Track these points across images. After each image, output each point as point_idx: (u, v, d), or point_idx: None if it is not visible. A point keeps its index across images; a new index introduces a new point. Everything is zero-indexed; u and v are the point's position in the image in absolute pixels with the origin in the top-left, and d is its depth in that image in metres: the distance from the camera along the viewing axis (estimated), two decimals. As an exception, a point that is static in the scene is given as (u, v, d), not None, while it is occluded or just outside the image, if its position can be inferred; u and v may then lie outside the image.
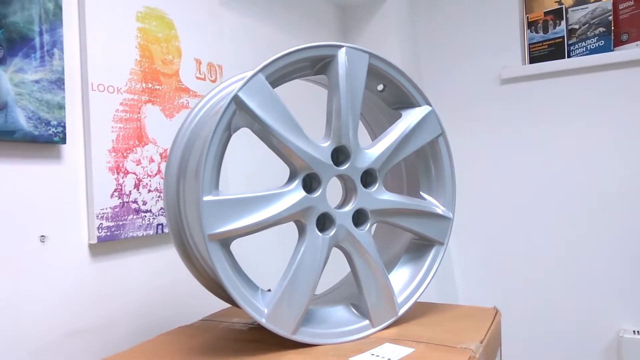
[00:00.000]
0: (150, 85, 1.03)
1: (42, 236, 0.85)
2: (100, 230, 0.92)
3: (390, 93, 0.81)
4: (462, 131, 1.88)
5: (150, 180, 1.03)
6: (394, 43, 1.76)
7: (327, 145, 0.72)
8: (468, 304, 0.90)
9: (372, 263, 0.74)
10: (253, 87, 0.65)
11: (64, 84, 0.87)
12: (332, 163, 0.72)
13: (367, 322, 0.75)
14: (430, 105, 0.81)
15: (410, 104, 0.81)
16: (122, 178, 0.97)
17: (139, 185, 1.00)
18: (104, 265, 0.94)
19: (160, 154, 1.05)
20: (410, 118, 0.79)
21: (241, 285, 0.66)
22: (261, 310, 0.67)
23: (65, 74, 0.88)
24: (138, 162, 1.00)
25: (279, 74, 0.69)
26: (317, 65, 0.73)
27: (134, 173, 0.99)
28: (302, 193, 0.69)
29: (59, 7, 0.86)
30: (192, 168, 0.69)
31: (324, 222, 0.73)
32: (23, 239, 0.82)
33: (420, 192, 0.85)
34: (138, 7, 1.02)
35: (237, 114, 0.65)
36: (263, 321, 0.66)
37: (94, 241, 0.91)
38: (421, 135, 0.80)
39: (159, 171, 1.05)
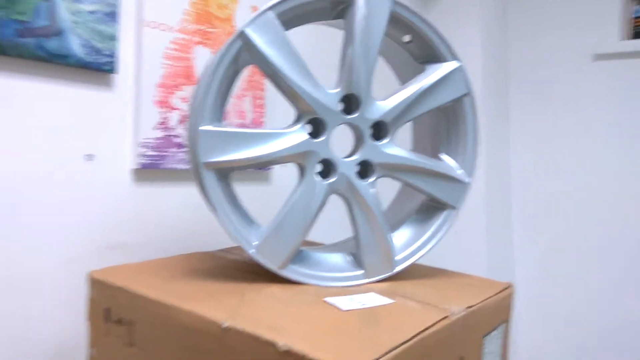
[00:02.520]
0: (202, 27, 1.07)
1: (89, 155, 0.94)
2: (142, 157, 0.99)
3: (416, 45, 0.78)
4: (544, 108, 1.75)
5: (194, 118, 1.08)
6: (477, 9, 1.66)
7: (335, 91, 0.71)
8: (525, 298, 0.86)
9: (372, 216, 0.74)
10: (261, 24, 0.66)
11: (117, 17, 0.94)
12: (339, 110, 0.71)
13: (361, 271, 0.75)
14: (459, 60, 0.77)
15: (437, 59, 0.77)
16: (168, 112, 1.04)
17: (184, 120, 1.06)
18: (144, 190, 1.02)
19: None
20: (434, 73, 0.76)
21: (234, 216, 0.69)
22: (250, 242, 0.70)
23: (121, 8, 0.95)
24: (185, 100, 1.06)
25: (293, 13, 0.69)
26: (337, 8, 0.72)
27: (180, 109, 1.06)
28: (304, 135, 0.70)
29: (119, -56, 0.92)
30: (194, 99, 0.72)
31: (328, 168, 0.74)
32: (70, 156, 0.91)
33: (439, 153, 0.82)
34: (198, -50, 1.05)
35: (245, 50, 0.67)
36: (252, 252, 0.69)
37: (136, 167, 0.99)
38: (444, 92, 0.76)
39: (204, 110, 1.10)
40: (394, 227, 0.82)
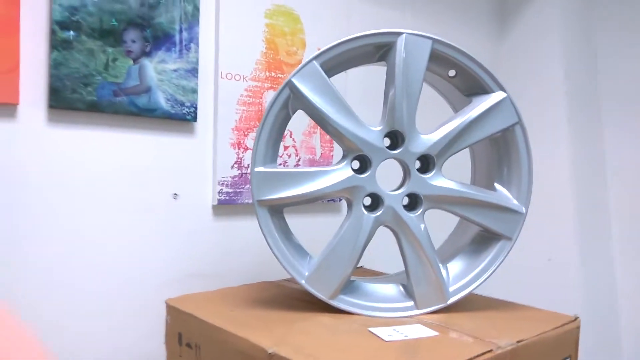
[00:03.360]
0: (273, 74, 1.17)
1: (175, 194, 1.06)
2: (220, 195, 1.10)
3: (461, 79, 0.80)
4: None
5: (267, 157, 1.17)
6: (558, 28, 1.61)
7: (379, 129, 0.75)
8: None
9: (420, 247, 0.76)
10: (306, 73, 0.73)
11: (197, 72, 1.06)
12: (383, 146, 0.75)
13: (411, 303, 0.77)
14: (504, 91, 0.77)
15: (483, 90, 0.78)
16: (242, 153, 1.14)
17: (257, 160, 1.16)
18: (223, 224, 1.12)
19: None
20: (480, 105, 0.77)
21: (287, 248, 0.75)
22: (302, 272, 0.75)
23: (200, 64, 1.08)
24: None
25: (336, 61, 0.75)
26: (380, 52, 0.77)
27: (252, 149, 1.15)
28: (349, 172, 0.75)
29: (197, 9, 1.06)
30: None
31: (376, 202, 0.77)
32: (159, 195, 1.04)
33: (495, 184, 0.82)
34: (267, 5, 1.17)
35: (293, 97, 0.74)
36: (302, 282, 0.75)
37: (215, 203, 1.10)
38: (491, 122, 0.77)
39: (276, 149, 1.19)
40: (450, 257, 0.83)
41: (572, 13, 1.64)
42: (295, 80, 0.73)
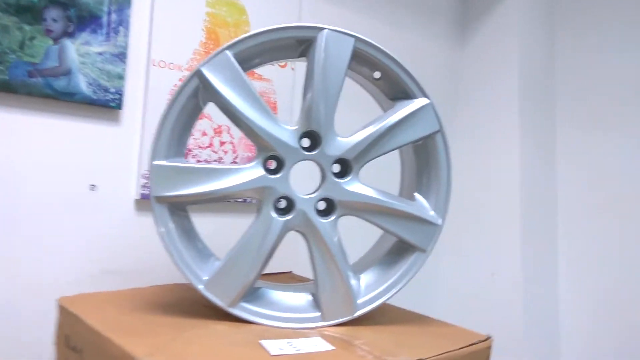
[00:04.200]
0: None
1: (92, 185, 1.00)
2: (144, 189, 1.04)
3: (385, 82, 0.76)
4: (598, 139, 1.61)
5: (200, 152, 1.12)
6: (517, 33, 1.59)
7: (294, 128, 0.71)
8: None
9: (329, 255, 0.72)
10: (218, 63, 0.68)
11: (126, 57, 1.01)
12: (298, 146, 0.71)
13: (318, 314, 0.73)
14: (427, 97, 0.74)
15: (407, 95, 0.75)
16: (173, 146, 1.08)
17: (188, 155, 1.10)
18: (145, 220, 1.06)
19: (214, 129, 1.14)
20: (401, 110, 0.73)
21: (186, 250, 0.70)
22: (200, 277, 0.70)
23: (129, 49, 1.02)
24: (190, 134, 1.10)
25: (252, 52, 0.70)
26: (301, 47, 0.73)
27: (185, 143, 1.10)
28: (259, 172, 0.70)
29: (129, -9, 1.00)
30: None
31: (289, 206, 0.73)
32: (76, 185, 0.97)
33: (415, 193, 0.78)
34: (209, -7, 1.11)
35: (202, 88, 0.69)
36: (200, 287, 0.70)
37: (139, 197, 1.04)
38: (412, 129, 0.73)
39: (210, 144, 1.14)
40: (365, 267, 0.79)
41: (532, 18, 1.63)
42: (204, 70, 0.68)
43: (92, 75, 0.96)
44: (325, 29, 0.70)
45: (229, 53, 0.69)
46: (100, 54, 0.97)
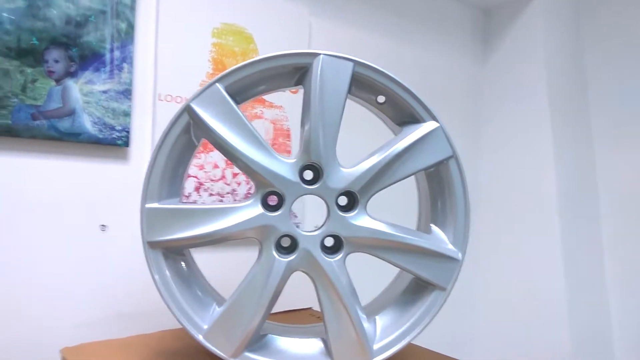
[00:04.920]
0: (219, 96, 1.09)
1: (103, 225, 0.97)
2: (156, 226, 1.01)
3: (390, 106, 0.70)
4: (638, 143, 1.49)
5: (212, 185, 1.09)
6: (543, 47, 1.51)
7: (292, 161, 0.66)
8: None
9: (338, 298, 0.66)
10: (208, 97, 0.64)
11: (131, 94, 0.99)
12: (298, 180, 0.66)
13: (328, 362, 0.67)
14: (436, 120, 0.68)
15: (414, 119, 0.69)
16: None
17: (200, 188, 1.07)
18: (158, 259, 1.03)
19: (226, 161, 1.10)
20: (409, 136, 0.67)
21: (184, 297, 0.65)
22: (200, 326, 0.65)
23: (134, 85, 1.00)
24: (201, 167, 1.07)
25: (244, 84, 0.66)
26: (297, 75, 0.68)
27: (196, 177, 1.07)
28: (258, 210, 0.65)
29: (131, 27, 0.98)
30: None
31: (292, 244, 0.67)
32: (85, 226, 0.95)
33: (430, 225, 0.72)
34: (215, 24, 1.09)
35: (194, 124, 0.65)
36: (199, 338, 0.65)
37: (150, 235, 1.01)
38: (422, 156, 0.67)
39: (222, 177, 1.10)
40: (381, 308, 0.72)
41: (557, 31, 1.54)
42: (194, 105, 0.64)
43: (96, 114, 0.95)
44: (320, 54, 0.65)
45: (219, 86, 0.65)
46: (104, 92, 0.96)
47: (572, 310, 1.43)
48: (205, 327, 0.65)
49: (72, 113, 0.93)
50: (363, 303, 0.71)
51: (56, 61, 0.91)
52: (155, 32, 1.03)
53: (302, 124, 0.67)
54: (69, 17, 0.92)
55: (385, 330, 0.69)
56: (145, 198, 0.64)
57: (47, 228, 0.91)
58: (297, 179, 0.66)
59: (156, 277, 0.64)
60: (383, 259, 0.68)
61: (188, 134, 0.66)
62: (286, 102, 1.18)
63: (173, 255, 0.66)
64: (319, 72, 0.65)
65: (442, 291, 0.68)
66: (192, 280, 0.68)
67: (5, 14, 0.86)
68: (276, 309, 0.92)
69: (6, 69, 0.86)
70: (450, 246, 0.69)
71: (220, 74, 0.65)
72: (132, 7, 0.98)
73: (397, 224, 0.69)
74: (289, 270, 0.66)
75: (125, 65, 0.98)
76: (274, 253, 0.66)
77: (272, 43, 1.17)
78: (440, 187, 0.70)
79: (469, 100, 1.63)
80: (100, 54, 0.95)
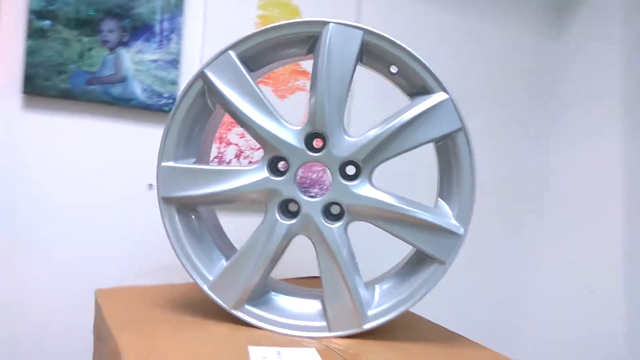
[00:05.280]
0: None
1: (150, 184, 1.06)
2: (197, 189, 1.08)
3: (402, 77, 0.70)
4: None
5: (253, 153, 1.14)
6: (620, 23, 1.39)
7: (298, 128, 0.68)
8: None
9: (335, 263, 0.68)
10: (221, 64, 0.68)
11: (178, 63, 1.05)
12: (303, 147, 0.68)
13: (323, 324, 0.69)
14: (446, 91, 0.66)
15: (425, 90, 0.68)
16: (224, 147, 1.11)
17: (240, 155, 1.13)
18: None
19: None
20: (416, 107, 0.67)
21: (194, 250, 0.71)
22: (207, 277, 0.70)
23: (182, 55, 1.06)
24: (242, 136, 1.13)
25: (256, 51, 0.69)
26: (309, 44, 0.70)
27: (237, 144, 1.12)
28: (263, 174, 0.69)
29: (180, 0, 1.04)
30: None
31: (298, 209, 0.70)
32: (134, 185, 1.04)
33: (438, 198, 0.71)
34: (260, -4, 1.13)
35: (208, 90, 0.69)
36: (205, 288, 0.70)
37: (192, 197, 1.08)
38: (428, 128, 0.66)
39: (262, 146, 1.14)
40: (385, 276, 0.73)
41: (636, 7, 1.40)
42: (208, 72, 0.68)
43: (146, 81, 1.02)
44: (330, 22, 0.66)
45: (232, 53, 0.68)
46: (154, 61, 1.03)
47: (630, 312, 1.33)
48: (211, 279, 0.70)
49: (124, 80, 1.01)
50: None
51: (110, 31, 0.99)
52: (203, 4, 1.08)
53: (311, 92, 0.68)
54: (123, -10, 0.99)
55: (382, 298, 0.70)
56: (161, 157, 0.70)
57: (100, 186, 1.01)
58: (302, 145, 0.68)
59: (169, 229, 0.70)
60: (384, 230, 0.69)
61: (203, 99, 0.70)
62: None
63: (186, 211, 0.72)
64: (327, 41, 0.66)
65: (441, 265, 0.68)
66: (203, 236, 0.73)
67: (66, -12, 0.95)
68: (299, 274, 0.96)
69: (66, 38, 0.96)
70: (453, 221, 0.68)
71: (232, 41, 0.68)
72: (182, -19, 1.04)
73: (402, 196, 0.69)
74: (290, 233, 0.69)
75: (173, 36, 1.05)
76: (277, 216, 0.69)
77: (319, 15, 1.17)
78: (448, 161, 0.69)
79: (540, 79, 1.54)
80: (150, 25, 1.02)
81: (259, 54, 0.70)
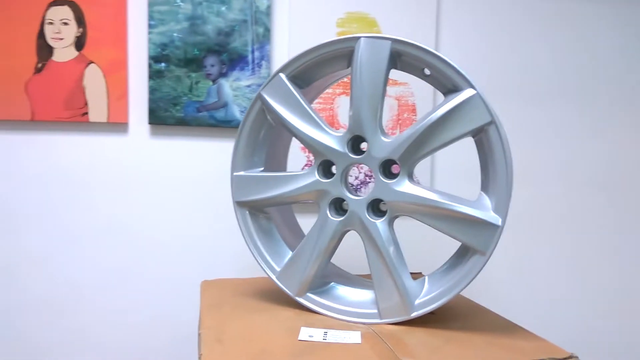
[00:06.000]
0: (344, 79, 1.23)
1: (252, 193, 1.22)
2: (293, 195, 1.21)
3: (435, 78, 0.74)
4: None
5: (341, 159, 1.23)
6: None
7: (341, 134, 0.76)
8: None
9: (381, 256, 0.74)
10: (274, 85, 0.80)
11: (269, 85, 1.20)
12: (346, 151, 0.76)
13: (375, 311, 0.76)
14: (473, 87, 0.68)
15: (455, 89, 0.71)
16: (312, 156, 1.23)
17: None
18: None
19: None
20: (447, 104, 0.70)
21: (264, 245, 0.83)
22: (275, 268, 0.82)
23: (272, 78, 1.21)
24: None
25: (303, 70, 0.79)
26: (347, 59, 0.78)
27: (326, 152, 1.23)
28: (313, 177, 0.78)
29: (267, 30, 1.20)
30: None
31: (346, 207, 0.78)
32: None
33: (480, 191, 0.73)
34: (339, 14, 1.23)
35: (266, 109, 0.81)
36: (273, 277, 0.82)
37: (289, 202, 1.22)
38: (458, 123, 0.69)
39: (350, 152, 1.24)
40: (437, 268, 0.77)
41: None
42: (264, 93, 0.80)
43: (243, 104, 1.19)
44: (361, 37, 0.73)
45: (282, 75, 0.79)
46: (248, 86, 1.19)
47: None
48: (278, 270, 0.81)
49: (225, 105, 1.19)
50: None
51: (212, 65, 1.18)
52: (288, 31, 1.21)
53: (350, 100, 0.76)
54: (219, 29, 1.17)
55: (430, 288, 0.74)
56: (233, 167, 0.83)
57: (211, 197, 1.20)
58: (344, 149, 0.76)
59: (243, 228, 0.83)
60: (426, 224, 0.73)
61: (264, 116, 0.82)
62: (411, 78, 1.23)
63: (257, 212, 0.84)
64: (359, 54, 0.73)
65: (482, 255, 0.69)
66: (273, 233, 0.85)
67: (175, 34, 1.16)
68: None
69: (178, 75, 1.16)
70: (492, 212, 0.69)
71: (281, 65, 0.79)
72: (268, 14, 1.19)
73: (444, 191, 0.73)
74: (341, 229, 0.77)
75: (264, 62, 1.20)
76: (328, 213, 0.77)
77: (396, 24, 1.23)
78: (484, 155, 0.71)
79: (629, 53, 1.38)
80: (244, 55, 1.19)
81: (306, 72, 0.80)
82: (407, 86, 1.24)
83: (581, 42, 1.34)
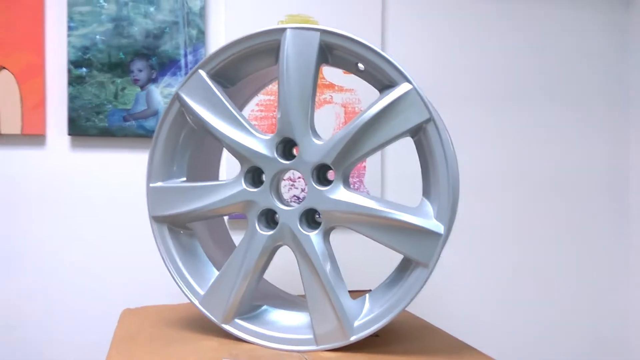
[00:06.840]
0: (287, 85, 1.15)
1: (188, 209, 1.12)
2: (233, 210, 1.12)
3: (370, 73, 0.66)
4: None
5: (284, 170, 1.15)
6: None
7: (269, 137, 0.68)
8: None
9: (315, 273, 0.65)
10: (193, 84, 0.70)
11: (204, 92, 1.11)
12: (274, 156, 0.67)
13: (310, 336, 0.67)
14: (409, 81, 0.61)
15: (390, 83, 0.64)
16: (256, 167, 1.14)
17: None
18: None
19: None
20: (380, 102, 0.63)
21: (186, 266, 0.73)
22: (198, 292, 0.72)
23: (208, 84, 1.12)
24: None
25: (226, 67, 0.70)
26: (275, 53, 0.70)
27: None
28: (240, 186, 0.69)
29: (201, 32, 1.11)
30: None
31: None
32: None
33: (422, 197, 0.65)
34: (280, 17, 1.15)
35: (185, 110, 0.72)
36: (196, 302, 0.71)
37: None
38: (394, 122, 0.62)
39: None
40: (378, 285, 0.69)
41: None
42: (182, 93, 0.71)
43: (175, 112, 1.09)
44: (287, 28, 0.66)
45: (202, 72, 0.70)
46: (180, 92, 1.09)
47: None
48: (202, 293, 0.71)
49: (155, 113, 1.09)
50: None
51: (140, 70, 1.08)
52: (225, 33, 1.13)
53: (278, 100, 0.68)
54: (147, 31, 1.08)
55: (371, 307, 0.66)
56: (149, 178, 0.73)
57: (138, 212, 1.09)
58: (273, 154, 0.67)
59: (160, 247, 0.73)
60: (364, 235, 0.65)
61: (185, 119, 0.73)
62: (358, 85, 1.17)
63: (178, 228, 0.74)
64: (285, 47, 0.66)
65: (424, 268, 0.62)
66: (197, 252, 0.75)
67: (98, 36, 1.05)
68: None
69: (101, 81, 1.06)
70: (434, 220, 0.62)
71: (201, 61, 0.70)
72: (202, 15, 1.10)
73: (382, 198, 0.65)
74: (271, 244, 0.68)
75: (197, 66, 1.10)
76: (256, 227, 0.68)
77: (341, 27, 1.17)
78: (424, 156, 0.64)
79: (609, 55, 1.37)
80: (176, 59, 1.09)
81: (229, 69, 0.71)
82: (353, 93, 1.18)
83: (532, 44, 1.31)
